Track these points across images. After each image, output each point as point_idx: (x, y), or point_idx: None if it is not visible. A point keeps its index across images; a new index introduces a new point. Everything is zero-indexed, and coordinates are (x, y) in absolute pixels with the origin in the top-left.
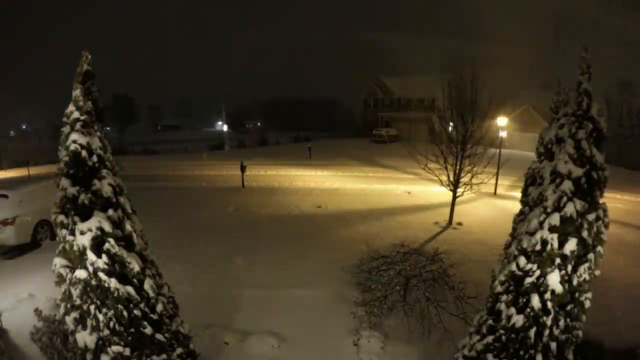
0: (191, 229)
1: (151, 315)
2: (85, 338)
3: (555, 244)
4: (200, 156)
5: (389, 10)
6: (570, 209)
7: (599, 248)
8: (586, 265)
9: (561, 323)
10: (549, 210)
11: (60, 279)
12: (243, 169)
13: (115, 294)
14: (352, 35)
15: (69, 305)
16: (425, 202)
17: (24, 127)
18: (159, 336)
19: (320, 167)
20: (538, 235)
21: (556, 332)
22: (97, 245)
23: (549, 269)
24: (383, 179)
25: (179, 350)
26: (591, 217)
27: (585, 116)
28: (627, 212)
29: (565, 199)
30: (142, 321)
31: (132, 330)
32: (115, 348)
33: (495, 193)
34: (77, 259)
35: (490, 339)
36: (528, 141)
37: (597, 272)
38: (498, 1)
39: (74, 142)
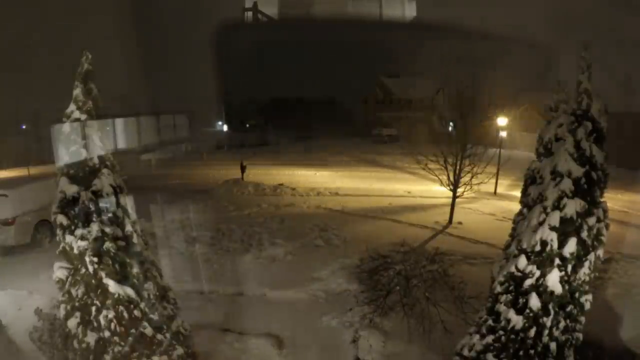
0: (189, 228)
1: (151, 315)
2: (86, 338)
3: (555, 245)
4: (201, 156)
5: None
6: (570, 209)
7: (599, 249)
8: (586, 266)
9: (561, 324)
10: (548, 210)
11: (61, 280)
12: (243, 168)
13: (116, 295)
14: (353, 35)
15: (69, 307)
16: (425, 201)
17: (23, 126)
18: (159, 336)
19: (320, 167)
20: (538, 236)
21: (556, 332)
22: (98, 246)
23: (548, 270)
24: (383, 179)
25: (180, 351)
26: (591, 218)
27: (585, 115)
28: (627, 212)
29: (565, 198)
30: (143, 322)
31: (133, 330)
32: (116, 348)
33: (495, 193)
34: (77, 260)
35: (490, 339)
36: (528, 141)
37: (597, 274)
38: (498, 1)
39: (74, 142)
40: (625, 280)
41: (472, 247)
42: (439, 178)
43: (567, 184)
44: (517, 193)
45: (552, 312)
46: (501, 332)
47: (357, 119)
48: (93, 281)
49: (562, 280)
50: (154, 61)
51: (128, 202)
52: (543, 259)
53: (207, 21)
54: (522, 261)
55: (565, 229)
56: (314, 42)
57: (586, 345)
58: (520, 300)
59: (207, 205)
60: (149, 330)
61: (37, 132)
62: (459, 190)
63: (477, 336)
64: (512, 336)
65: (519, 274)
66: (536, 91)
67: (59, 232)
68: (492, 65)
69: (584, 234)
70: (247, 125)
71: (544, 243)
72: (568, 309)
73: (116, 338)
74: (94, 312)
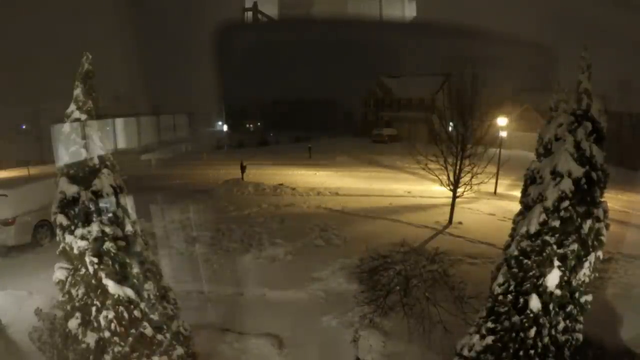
0: (189, 228)
1: (151, 316)
2: (86, 338)
3: (555, 245)
4: (201, 156)
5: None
6: (570, 209)
7: (599, 250)
8: (586, 266)
9: (561, 324)
10: (548, 210)
11: (61, 281)
12: (243, 168)
13: (116, 295)
14: (353, 35)
15: (69, 307)
16: (425, 201)
17: (23, 126)
18: (159, 337)
19: (320, 167)
20: (537, 236)
21: (556, 333)
22: (98, 246)
23: (548, 270)
24: (383, 179)
25: (180, 351)
26: (591, 218)
27: (585, 116)
28: (627, 212)
29: (565, 200)
30: (143, 322)
31: (133, 330)
32: (116, 349)
33: (495, 192)
34: (77, 260)
35: (490, 339)
36: (528, 141)
37: (597, 274)
38: (498, 1)
39: (74, 142)
40: (625, 280)
41: (472, 247)
42: (439, 178)
43: (567, 184)
44: (517, 193)
45: (552, 312)
46: (501, 332)
47: (357, 119)
48: (93, 281)
49: (562, 281)
50: (154, 61)
51: (128, 202)
52: (543, 259)
53: (208, 21)
54: (522, 261)
55: (565, 229)
56: (314, 42)
57: (586, 345)
58: (521, 300)
59: (207, 205)
60: (149, 331)
61: (37, 132)
62: (459, 190)
63: (477, 336)
64: (512, 336)
65: (519, 274)
66: (536, 91)
67: (58, 232)
68: (492, 65)
69: (584, 234)
70: (247, 126)
71: (544, 243)
72: (568, 309)
73: (116, 338)
74: (94, 313)
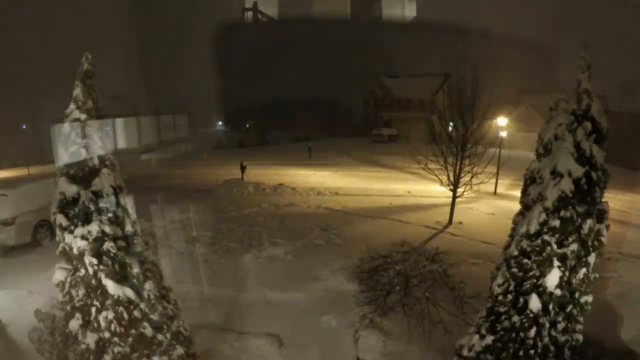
0: (189, 228)
1: (151, 316)
2: (86, 339)
3: (555, 245)
4: (201, 156)
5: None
6: (570, 209)
7: (599, 249)
8: (586, 267)
9: (561, 324)
10: (548, 210)
11: (61, 282)
12: (243, 168)
13: (115, 296)
14: (353, 34)
15: (69, 307)
16: (425, 201)
17: (23, 126)
18: (159, 337)
19: (320, 167)
20: (537, 236)
21: (555, 333)
22: (97, 246)
23: (548, 270)
24: (383, 179)
25: (180, 351)
26: (591, 218)
27: (585, 116)
28: (627, 212)
29: (566, 200)
30: (143, 322)
31: (133, 331)
32: (116, 349)
33: (495, 192)
34: (77, 260)
35: (489, 339)
36: (528, 141)
37: (597, 274)
38: (498, 1)
39: (74, 142)
40: (625, 280)
41: (472, 247)
42: (439, 178)
43: (567, 184)
44: (517, 193)
45: (552, 312)
46: (501, 332)
47: (357, 119)
48: (93, 282)
49: (561, 281)
50: (154, 61)
51: (128, 202)
52: (543, 259)
53: (207, 21)
54: (522, 261)
55: (565, 229)
56: (314, 42)
57: (586, 345)
58: (520, 300)
59: (207, 205)
60: (149, 331)
61: (37, 132)
62: (459, 190)
63: (477, 336)
64: (512, 336)
65: (519, 274)
66: (536, 91)
67: (58, 232)
68: (492, 65)
69: (584, 234)
70: (248, 126)
71: (544, 243)
72: (568, 309)
73: (116, 339)
74: (94, 313)
